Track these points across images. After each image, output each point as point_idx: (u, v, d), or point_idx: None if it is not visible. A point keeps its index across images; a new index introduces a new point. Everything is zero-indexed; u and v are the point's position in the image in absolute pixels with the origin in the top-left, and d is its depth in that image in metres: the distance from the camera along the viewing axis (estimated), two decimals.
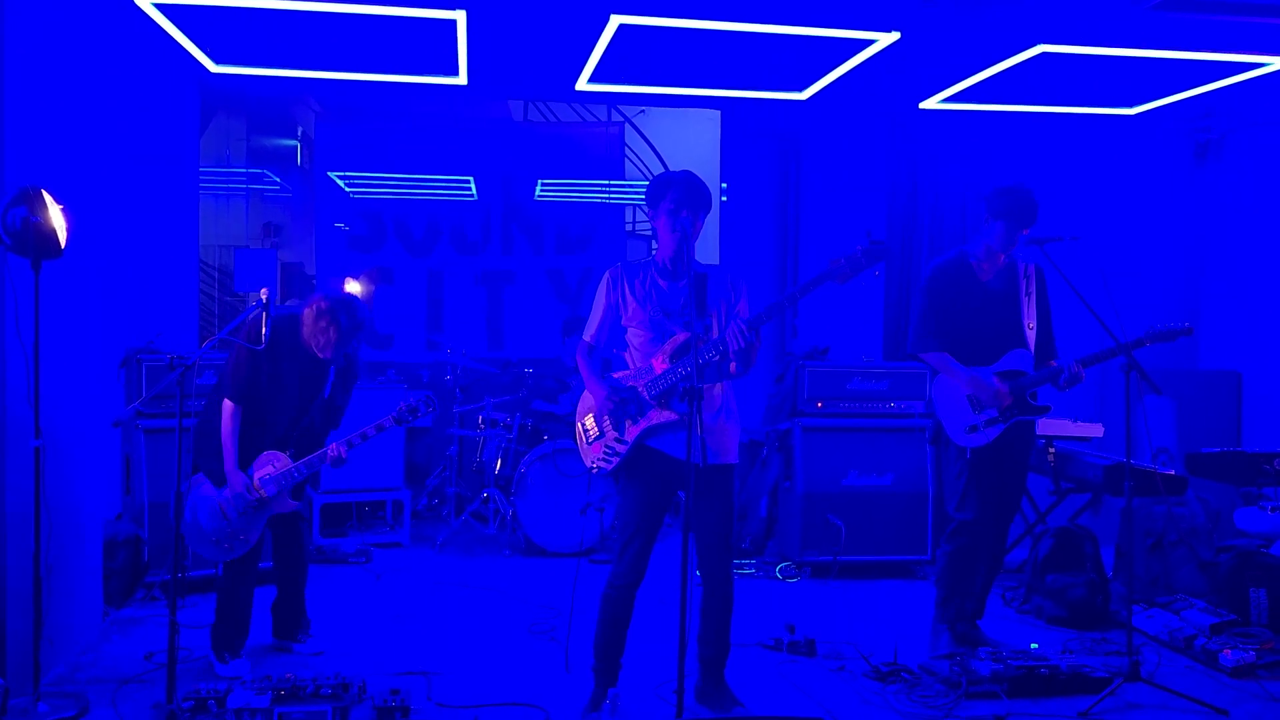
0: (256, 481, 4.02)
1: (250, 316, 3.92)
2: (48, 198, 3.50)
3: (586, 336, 3.70)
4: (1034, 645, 4.37)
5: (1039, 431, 5.62)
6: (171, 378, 3.54)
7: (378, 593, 5.30)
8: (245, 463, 4.04)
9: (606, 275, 3.67)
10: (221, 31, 5.43)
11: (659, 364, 3.52)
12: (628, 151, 8.20)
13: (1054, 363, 4.26)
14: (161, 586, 4.98)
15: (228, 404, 3.99)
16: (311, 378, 4.13)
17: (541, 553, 6.14)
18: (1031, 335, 4.31)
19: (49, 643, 3.77)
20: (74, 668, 4.09)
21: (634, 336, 3.62)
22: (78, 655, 4.22)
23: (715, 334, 3.51)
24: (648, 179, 7.95)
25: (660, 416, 3.50)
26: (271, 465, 4.05)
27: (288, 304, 4.22)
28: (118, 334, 5.06)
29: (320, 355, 4.03)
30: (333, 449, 4.01)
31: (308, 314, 4.00)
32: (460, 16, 5.07)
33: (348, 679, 3.63)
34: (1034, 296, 4.35)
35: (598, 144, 8.07)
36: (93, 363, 4.56)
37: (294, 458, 4.06)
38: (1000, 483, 4.35)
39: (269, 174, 8.95)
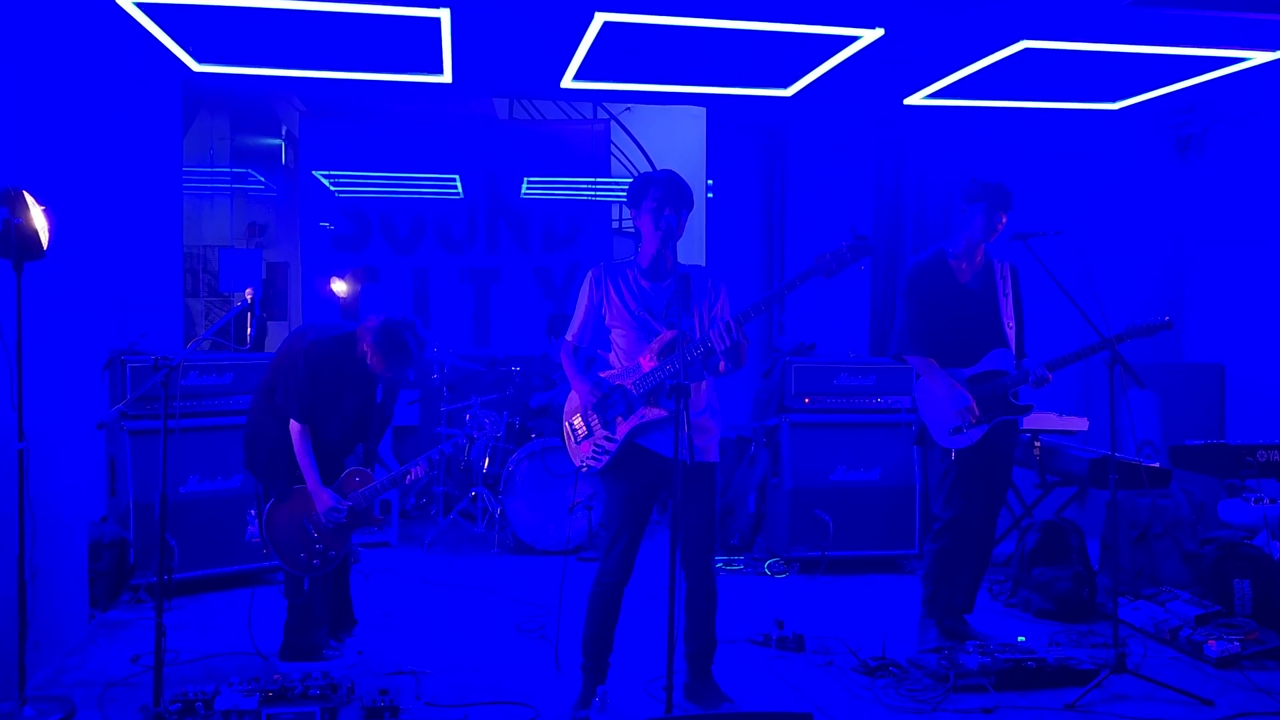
0: (350, 496, 4.09)
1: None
2: (29, 199, 3.47)
3: (569, 336, 3.70)
4: (1021, 638, 4.39)
5: (1025, 426, 5.65)
6: (156, 379, 3.53)
7: (366, 592, 5.29)
8: (328, 480, 4.09)
9: (589, 275, 3.67)
10: (204, 30, 5.40)
11: (647, 362, 3.53)
12: (613, 149, 8.19)
13: (1024, 363, 4.28)
14: (147, 589, 4.95)
15: (295, 425, 4.01)
16: (367, 395, 4.21)
17: (530, 551, 6.14)
18: (1012, 334, 4.34)
19: (34, 646, 3.75)
20: (60, 671, 4.07)
21: (618, 336, 3.63)
22: (63, 658, 4.20)
23: (698, 334, 3.51)
24: (634, 176, 7.97)
25: (651, 414, 3.51)
26: (358, 479, 4.13)
27: (332, 325, 4.26)
28: (101, 335, 5.03)
29: (376, 373, 4.09)
30: (415, 470, 4.13)
31: (370, 334, 3.98)
32: (444, 15, 5.06)
33: (336, 679, 3.63)
34: (1011, 296, 4.38)
35: (583, 142, 8.06)
36: (76, 364, 4.53)
37: (366, 470, 4.17)
38: (986, 481, 4.37)
39: (253, 173, 8.91)
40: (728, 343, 3.33)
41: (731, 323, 3.32)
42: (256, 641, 4.25)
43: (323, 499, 4.03)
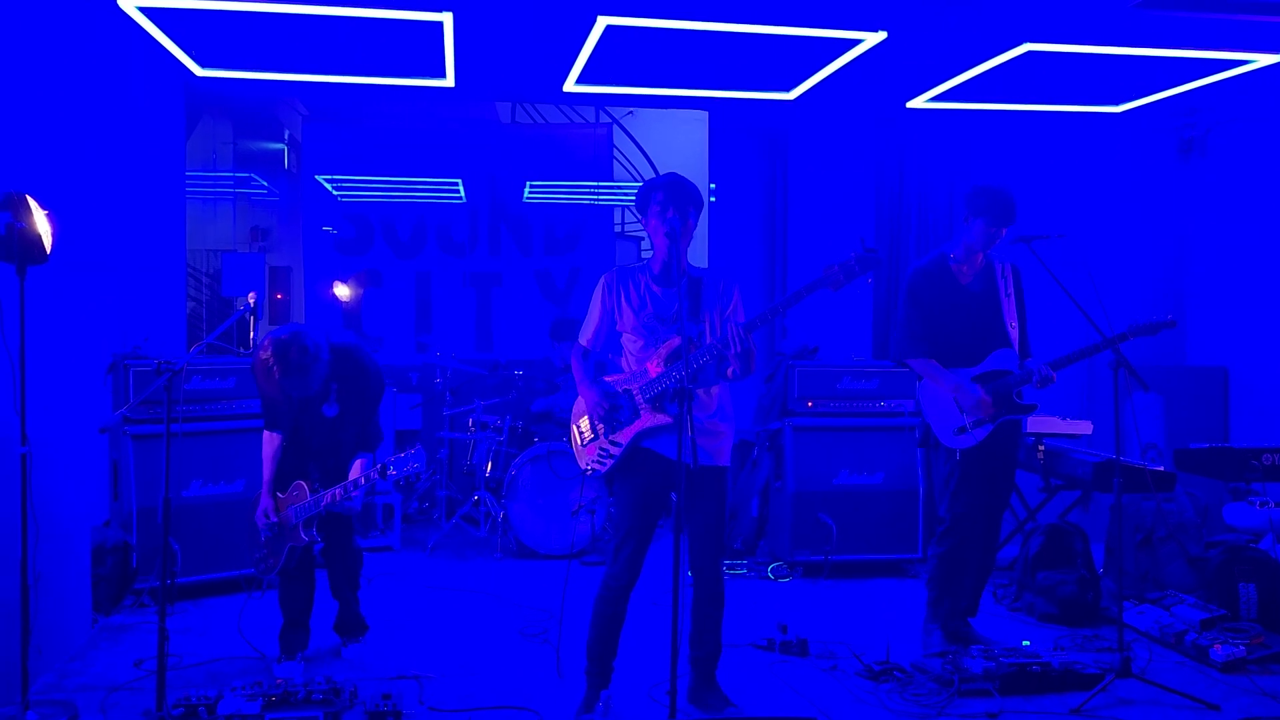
0: (282, 507, 4.12)
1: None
2: (32, 203, 3.47)
3: (582, 341, 3.71)
4: (1026, 642, 4.38)
5: (1029, 429, 5.65)
6: (159, 383, 3.53)
7: (369, 597, 5.27)
8: (284, 487, 4.15)
9: (602, 281, 3.67)
10: (207, 35, 5.40)
11: (654, 368, 3.53)
12: (616, 153, 8.19)
13: (1028, 363, 4.28)
14: (150, 593, 4.95)
15: (265, 431, 4.14)
16: (308, 406, 4.12)
17: (533, 555, 6.12)
18: (1014, 334, 4.34)
19: (37, 651, 3.74)
20: (62, 675, 4.07)
21: (629, 342, 3.63)
22: (66, 663, 4.20)
23: (709, 339, 3.51)
24: (636, 180, 7.97)
25: (654, 419, 3.51)
26: (298, 493, 4.13)
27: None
28: (104, 339, 5.03)
29: (293, 395, 4.00)
30: (327, 495, 3.99)
31: (258, 366, 3.88)
32: (447, 19, 5.06)
33: (339, 684, 3.62)
34: (1014, 296, 4.38)
35: (586, 145, 8.06)
36: (79, 368, 4.53)
37: (320, 487, 4.07)
38: (990, 482, 4.37)
39: (256, 178, 8.91)
40: (739, 347, 3.33)
41: (742, 329, 3.32)
42: (256, 645, 4.29)
43: (261, 504, 4.16)
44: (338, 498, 3.96)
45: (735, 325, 3.33)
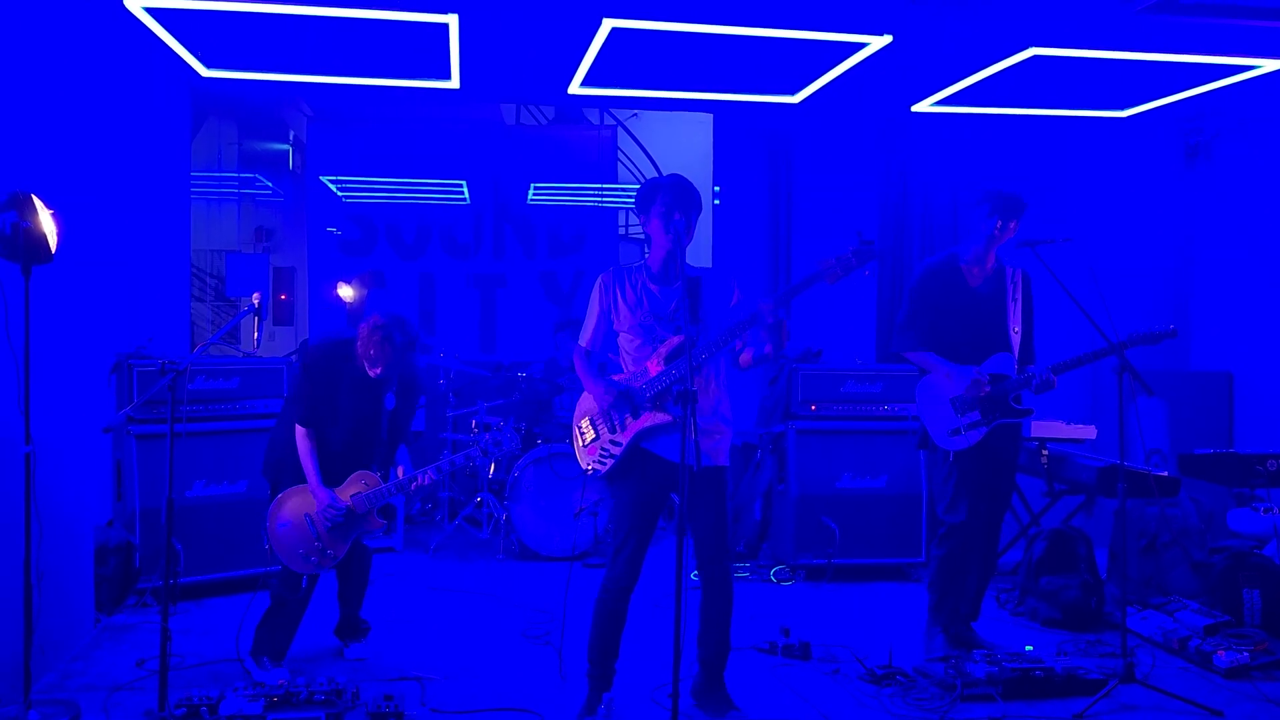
0: (350, 498, 4.08)
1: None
2: (38, 202, 3.48)
3: (582, 342, 3.71)
4: (1029, 647, 4.36)
5: (1033, 434, 5.64)
6: (163, 383, 3.53)
7: (371, 598, 5.27)
8: (333, 482, 4.11)
9: (599, 281, 3.67)
10: (213, 36, 5.41)
11: (654, 366, 3.53)
12: (620, 155, 8.20)
13: (1029, 368, 4.28)
14: (153, 593, 4.95)
15: (299, 428, 4.08)
16: (371, 399, 4.19)
17: (535, 557, 6.12)
18: (1016, 339, 4.35)
19: (40, 650, 3.75)
20: (65, 675, 4.07)
21: (626, 341, 3.63)
22: (69, 662, 4.20)
23: (706, 337, 3.51)
24: (640, 183, 7.97)
25: (654, 418, 3.51)
26: (364, 483, 4.12)
27: (337, 331, 4.34)
28: (108, 339, 5.04)
29: (371, 373, 4.08)
30: (422, 477, 4.10)
31: (362, 331, 4.05)
32: (452, 20, 5.06)
33: (341, 685, 3.62)
34: (1020, 302, 4.39)
35: (590, 148, 8.07)
36: (83, 368, 4.54)
37: (381, 478, 4.14)
38: (988, 485, 4.37)
39: (260, 178, 8.93)
40: (771, 319, 3.33)
41: (773, 300, 3.32)
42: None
43: (320, 497, 4.06)
44: (423, 482, 4.10)
45: (769, 298, 3.34)
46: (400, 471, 4.23)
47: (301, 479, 4.08)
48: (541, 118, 8.55)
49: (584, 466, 3.72)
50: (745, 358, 3.59)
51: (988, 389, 4.22)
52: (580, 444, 3.73)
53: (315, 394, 4.09)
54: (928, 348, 4.33)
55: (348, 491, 4.11)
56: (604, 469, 3.62)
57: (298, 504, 4.09)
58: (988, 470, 4.34)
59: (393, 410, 4.26)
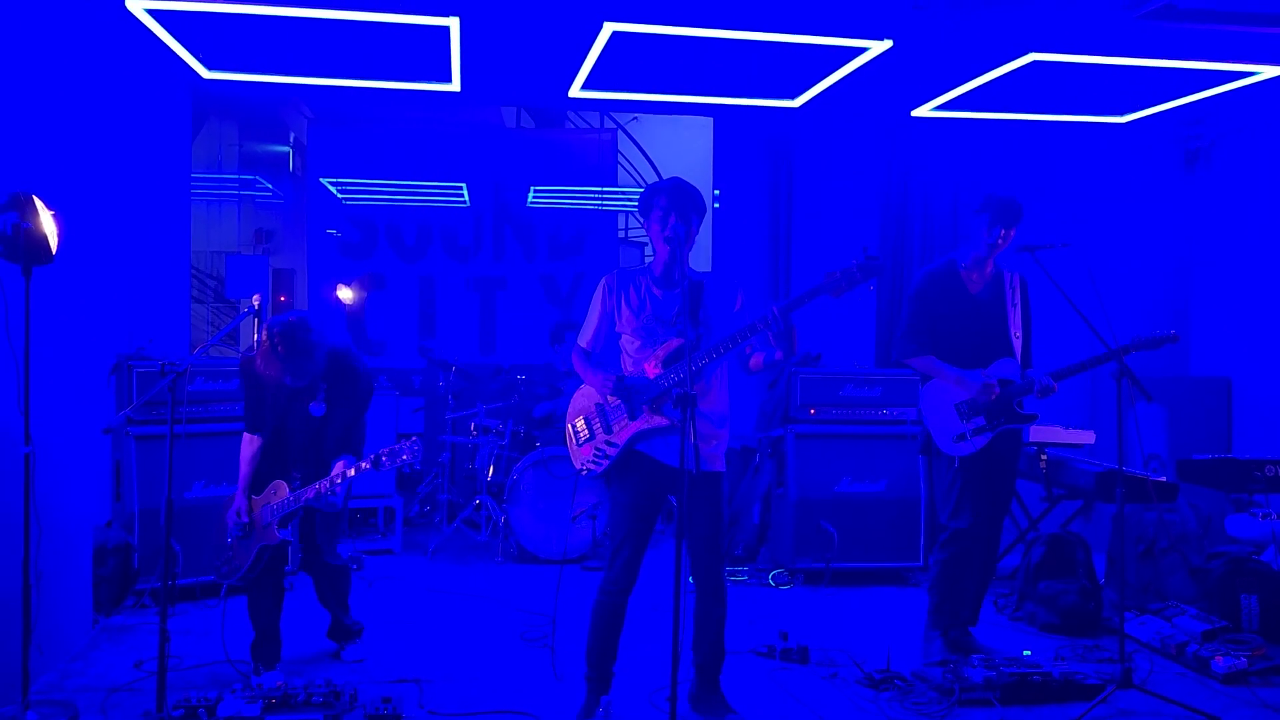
0: (255, 507, 4.07)
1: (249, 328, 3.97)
2: (39, 203, 3.48)
3: (582, 342, 3.71)
4: (1027, 652, 4.37)
5: (1031, 439, 5.65)
6: (162, 384, 3.53)
7: (370, 600, 5.28)
8: (261, 487, 4.11)
9: (602, 282, 3.67)
10: (214, 37, 5.41)
11: (652, 369, 3.53)
12: (620, 158, 8.21)
13: (1028, 373, 4.29)
14: (151, 594, 4.95)
15: (245, 434, 4.11)
16: (294, 408, 4.10)
17: (534, 560, 6.12)
18: (1018, 344, 4.36)
19: (38, 650, 3.74)
20: (63, 675, 4.07)
21: (627, 343, 3.63)
22: (67, 663, 4.20)
23: (708, 341, 3.51)
24: (641, 186, 7.98)
25: (651, 421, 3.50)
26: (275, 493, 4.08)
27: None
28: (108, 340, 5.04)
29: (288, 383, 3.97)
30: (310, 490, 3.97)
31: (259, 344, 3.92)
32: (454, 23, 5.07)
33: (339, 687, 3.62)
34: (1020, 307, 4.40)
35: (591, 151, 8.08)
36: (83, 369, 4.54)
37: (300, 485, 4.05)
38: (991, 491, 4.37)
39: (261, 180, 8.94)
40: (780, 326, 3.33)
41: (782, 307, 3.33)
42: (239, 656, 4.21)
43: (234, 503, 4.10)
44: (322, 490, 3.93)
45: (776, 306, 3.34)
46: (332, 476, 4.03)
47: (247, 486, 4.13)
48: (529, 121, 8.55)
49: (578, 466, 3.71)
50: (755, 361, 3.59)
51: (998, 391, 4.23)
52: (574, 443, 3.72)
53: (257, 402, 4.10)
54: (929, 352, 4.34)
55: (260, 502, 4.09)
56: (599, 469, 3.62)
57: (223, 510, 4.17)
58: (990, 476, 4.34)
59: (323, 416, 4.10)
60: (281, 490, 4.05)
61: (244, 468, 4.11)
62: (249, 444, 4.11)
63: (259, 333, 3.96)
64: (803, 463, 5.85)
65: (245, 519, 4.07)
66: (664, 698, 3.50)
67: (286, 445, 4.14)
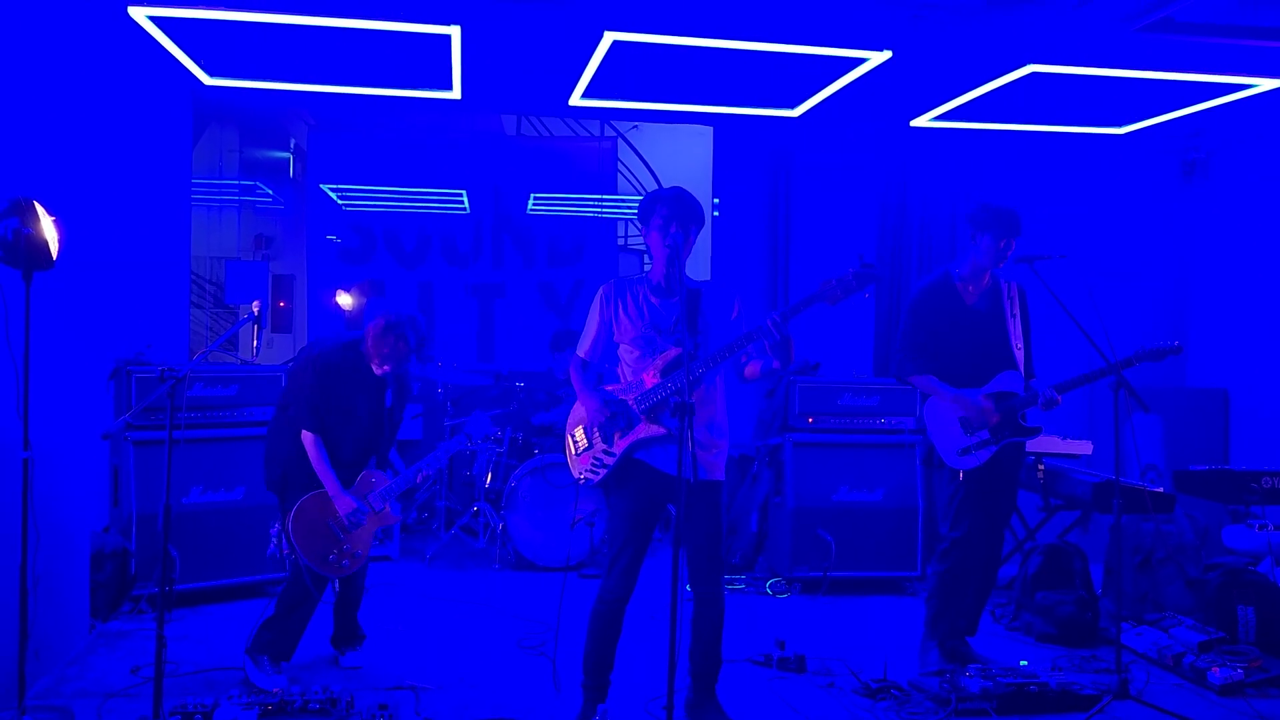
0: (368, 497, 4.18)
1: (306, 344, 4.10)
2: (40, 209, 3.49)
3: (580, 352, 3.71)
4: (1023, 662, 4.37)
5: (1029, 448, 5.64)
6: (162, 390, 3.53)
7: (366, 607, 5.27)
8: (345, 483, 4.18)
9: (600, 292, 3.68)
10: (215, 44, 5.44)
11: (650, 378, 3.53)
12: (620, 166, 8.22)
13: (1032, 384, 4.29)
14: (149, 599, 4.95)
15: (308, 435, 4.11)
16: (377, 399, 4.28)
17: (531, 567, 6.12)
18: (1020, 355, 4.33)
19: (35, 655, 3.74)
20: (60, 681, 4.06)
21: (625, 352, 3.63)
22: (64, 668, 4.19)
23: (706, 350, 3.51)
24: (640, 194, 7.99)
25: (648, 430, 3.51)
26: (373, 480, 4.23)
27: (336, 336, 4.40)
28: (108, 345, 5.05)
29: (378, 371, 4.18)
30: (426, 469, 4.27)
31: (374, 330, 4.13)
32: (455, 31, 5.09)
33: (336, 694, 3.61)
34: (1019, 317, 4.38)
35: (590, 159, 8.09)
36: (82, 374, 4.54)
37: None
38: (992, 503, 4.36)
39: (261, 186, 8.94)
40: (777, 335, 3.32)
41: (779, 317, 3.32)
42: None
43: (344, 503, 4.13)
44: (428, 473, 4.28)
45: (775, 314, 3.34)
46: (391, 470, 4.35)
47: (311, 487, 4.12)
48: (543, 129, 8.57)
49: (576, 475, 3.72)
50: (751, 370, 3.59)
51: (997, 418, 4.21)
52: (573, 453, 3.73)
53: (326, 399, 4.13)
54: (929, 370, 4.32)
55: (361, 491, 4.19)
56: (596, 479, 3.62)
57: (316, 510, 4.13)
58: (993, 488, 4.33)
59: (390, 408, 4.33)
60: (379, 476, 4.24)
61: (324, 466, 4.12)
62: (315, 445, 4.11)
63: (372, 325, 4.15)
64: (800, 471, 5.86)
65: (366, 509, 4.16)
66: (661, 707, 3.50)
67: (368, 435, 4.28)
